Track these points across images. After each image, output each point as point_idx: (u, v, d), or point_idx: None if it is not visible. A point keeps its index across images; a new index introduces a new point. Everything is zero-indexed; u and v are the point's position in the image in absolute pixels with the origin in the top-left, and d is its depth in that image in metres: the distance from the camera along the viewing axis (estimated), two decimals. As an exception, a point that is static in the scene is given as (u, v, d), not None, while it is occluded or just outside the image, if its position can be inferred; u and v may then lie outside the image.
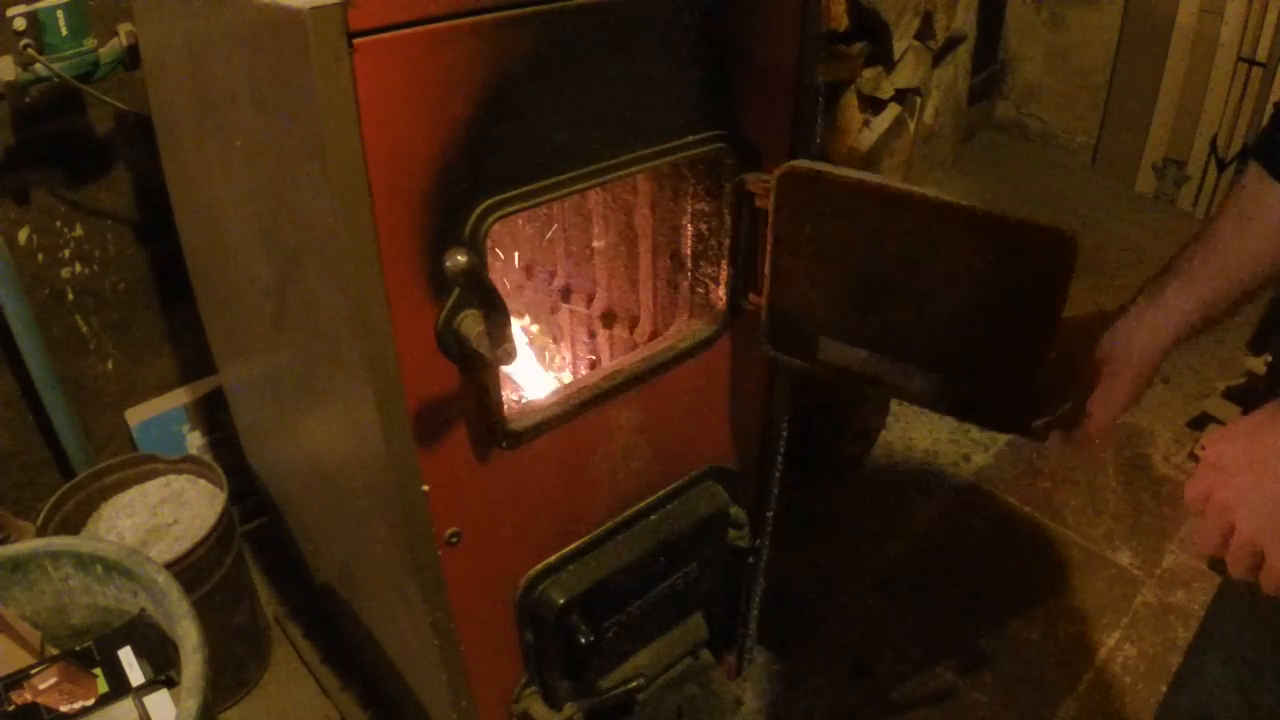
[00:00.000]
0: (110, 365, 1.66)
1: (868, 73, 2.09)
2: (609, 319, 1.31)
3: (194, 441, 1.77)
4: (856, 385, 1.06)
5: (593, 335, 1.36)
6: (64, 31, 1.27)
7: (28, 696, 1.05)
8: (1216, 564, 0.75)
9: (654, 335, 1.24)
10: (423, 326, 0.86)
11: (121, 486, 1.55)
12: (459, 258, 0.76)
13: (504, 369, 1.01)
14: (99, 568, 1.16)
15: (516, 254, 1.43)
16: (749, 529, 1.31)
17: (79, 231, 1.53)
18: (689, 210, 1.11)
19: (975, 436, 2.26)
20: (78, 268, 1.55)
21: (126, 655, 1.11)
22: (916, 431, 2.28)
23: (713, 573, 1.29)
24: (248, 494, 1.73)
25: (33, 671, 1.08)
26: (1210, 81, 3.06)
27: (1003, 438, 2.25)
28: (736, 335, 1.16)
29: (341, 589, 1.43)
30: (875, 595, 1.83)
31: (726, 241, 1.08)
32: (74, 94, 1.41)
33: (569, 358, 1.43)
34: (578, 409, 1.02)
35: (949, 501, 2.08)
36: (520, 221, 1.38)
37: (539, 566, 1.09)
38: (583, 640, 1.09)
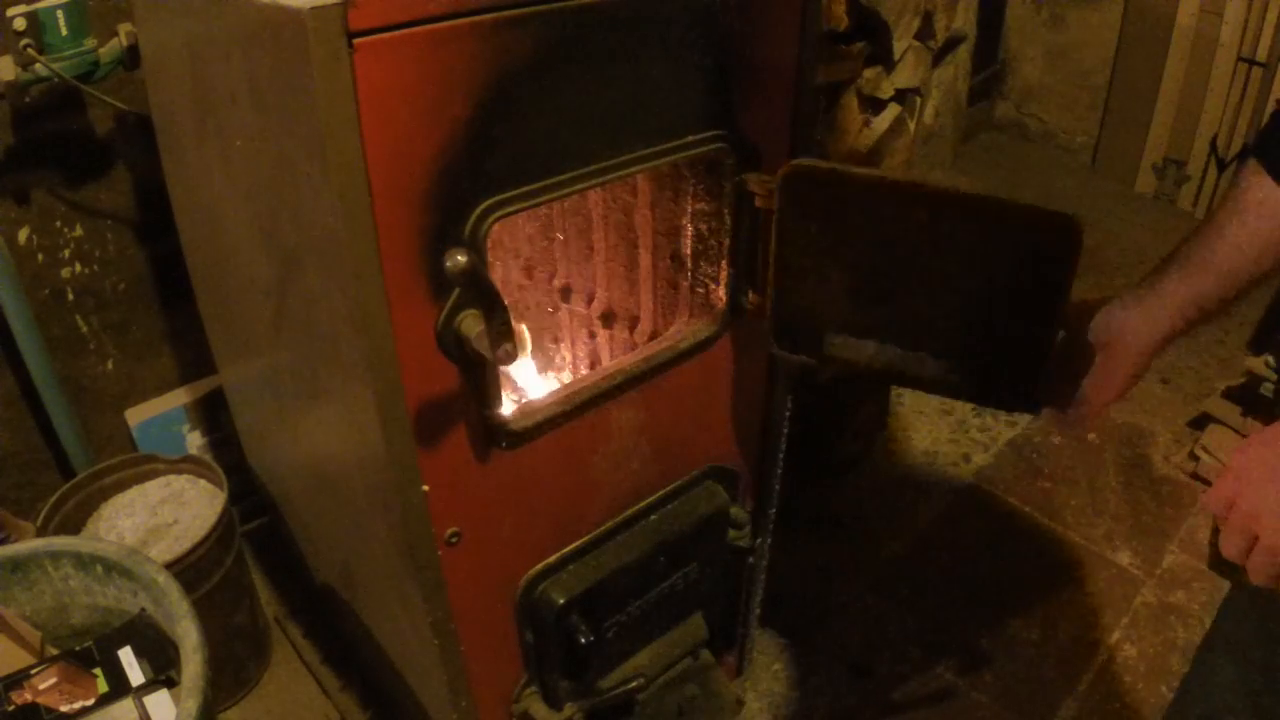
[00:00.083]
0: (110, 365, 1.66)
1: (868, 73, 2.09)
2: (609, 319, 1.31)
3: (194, 441, 1.77)
4: (866, 378, 1.07)
5: (593, 335, 1.36)
6: (64, 31, 1.27)
7: (28, 696, 1.05)
8: (1219, 567, 0.75)
9: (654, 335, 1.24)
10: (423, 326, 0.86)
11: (121, 487, 1.55)
12: (459, 258, 0.76)
13: (504, 369, 1.01)
14: (99, 568, 1.16)
15: (516, 254, 1.43)
16: (749, 529, 1.31)
17: (79, 231, 1.53)
18: (689, 210, 1.11)
19: (975, 436, 2.27)
20: (78, 268, 1.55)
21: (126, 655, 1.12)
22: (916, 431, 2.28)
23: (713, 573, 1.29)
24: (248, 494, 1.73)
25: (33, 671, 1.08)
26: (1210, 81, 3.06)
27: (1003, 438, 2.26)
28: (736, 335, 1.16)
29: (341, 589, 1.43)
30: (875, 595, 1.83)
31: (726, 241, 1.08)
32: (74, 94, 1.41)
33: (569, 358, 1.43)
34: (578, 409, 1.02)
35: (949, 501, 2.08)
36: (520, 221, 1.38)
37: (539, 566, 1.09)
38: (583, 640, 1.09)
